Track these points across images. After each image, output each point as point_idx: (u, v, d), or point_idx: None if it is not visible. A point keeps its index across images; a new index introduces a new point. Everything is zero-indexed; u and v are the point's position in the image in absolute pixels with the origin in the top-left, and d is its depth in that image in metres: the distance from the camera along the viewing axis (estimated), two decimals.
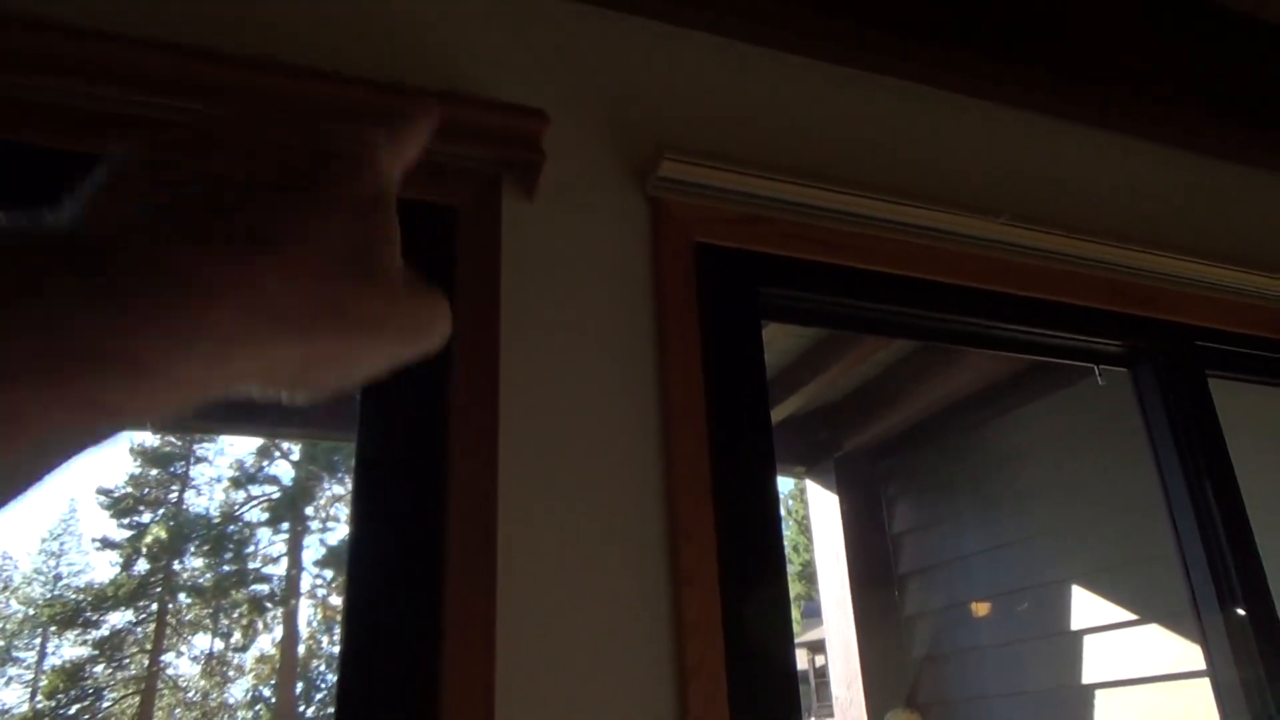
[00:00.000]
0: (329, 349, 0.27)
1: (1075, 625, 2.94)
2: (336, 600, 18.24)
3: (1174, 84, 1.64)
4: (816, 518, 3.78)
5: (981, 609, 3.34)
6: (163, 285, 0.24)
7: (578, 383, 1.13)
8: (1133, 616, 2.75)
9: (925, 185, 1.43)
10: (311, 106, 1.08)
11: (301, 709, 17.55)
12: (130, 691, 17.05)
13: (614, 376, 1.15)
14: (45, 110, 1.00)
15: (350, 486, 1.06)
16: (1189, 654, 2.42)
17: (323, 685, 18.10)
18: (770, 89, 1.42)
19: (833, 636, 3.57)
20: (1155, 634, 2.64)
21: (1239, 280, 1.54)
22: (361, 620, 0.97)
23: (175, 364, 0.24)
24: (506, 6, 1.28)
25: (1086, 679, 2.88)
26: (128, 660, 17.26)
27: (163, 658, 17.48)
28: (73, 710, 16.46)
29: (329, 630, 18.13)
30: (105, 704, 16.86)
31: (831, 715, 3.52)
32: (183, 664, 18.07)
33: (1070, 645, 2.95)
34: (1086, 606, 2.91)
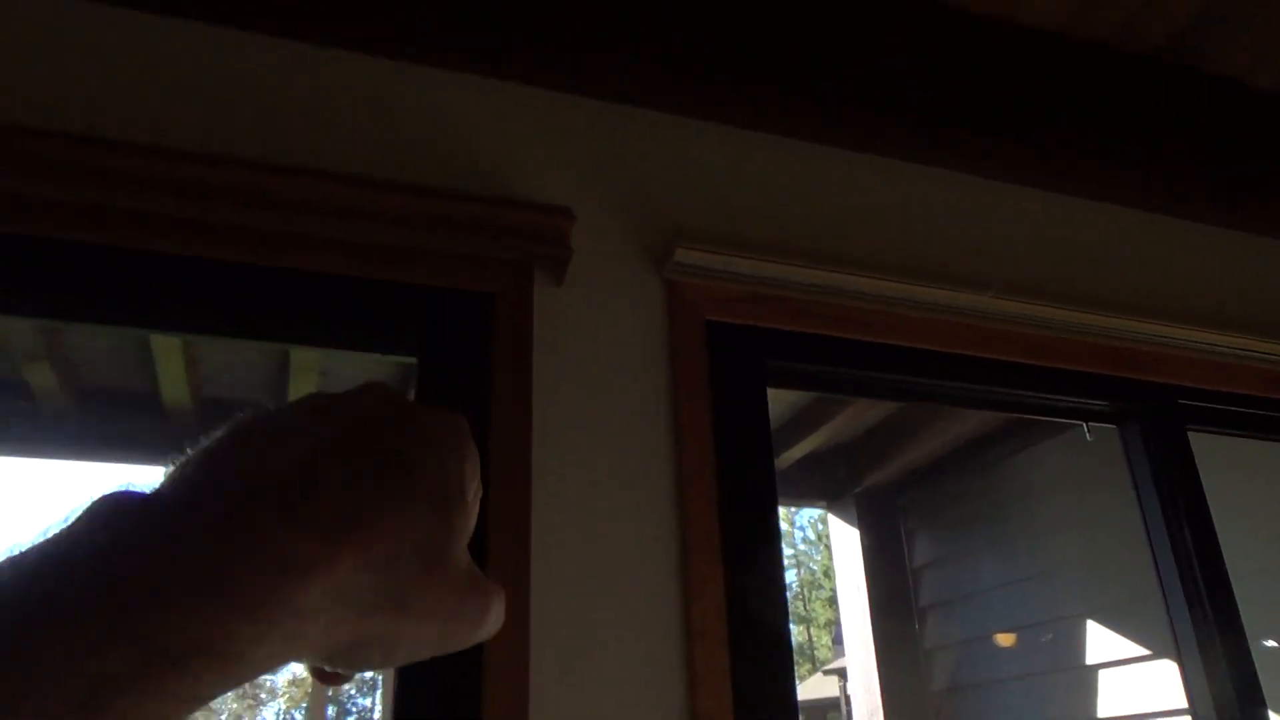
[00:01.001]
0: (381, 631, 0.28)
1: (1091, 660, 3.00)
2: None
3: (1157, 150, 1.75)
4: (838, 551, 3.87)
5: (1007, 640, 3.40)
6: (260, 565, 0.24)
7: (601, 447, 1.27)
8: (1146, 652, 2.82)
9: (919, 261, 1.56)
10: (356, 214, 1.22)
11: None
12: None
13: (634, 440, 1.29)
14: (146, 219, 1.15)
15: None
16: None
17: (353, 710, 18.26)
18: (773, 173, 1.55)
19: (854, 669, 3.65)
20: (1169, 669, 2.70)
21: (1219, 342, 1.65)
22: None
23: (261, 646, 0.24)
24: (535, 109, 1.43)
25: (1101, 713, 2.94)
26: None
27: None
28: None
29: None
30: None
31: None
32: None
33: (1086, 679, 3.01)
34: (1102, 641, 2.98)
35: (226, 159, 1.19)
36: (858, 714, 3.59)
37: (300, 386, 2.67)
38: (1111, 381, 1.61)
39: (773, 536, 1.30)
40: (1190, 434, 1.64)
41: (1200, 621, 1.49)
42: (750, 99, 1.53)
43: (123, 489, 0.26)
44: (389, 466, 0.29)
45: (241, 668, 0.24)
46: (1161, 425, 1.62)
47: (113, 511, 0.25)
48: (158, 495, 0.26)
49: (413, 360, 1.45)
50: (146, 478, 0.29)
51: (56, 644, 0.21)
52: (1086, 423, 1.66)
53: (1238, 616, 1.50)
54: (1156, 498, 1.58)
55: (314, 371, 2.67)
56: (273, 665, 0.25)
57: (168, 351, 2.48)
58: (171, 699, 0.23)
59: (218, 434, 0.29)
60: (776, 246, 1.46)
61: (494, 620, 0.32)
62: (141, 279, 1.17)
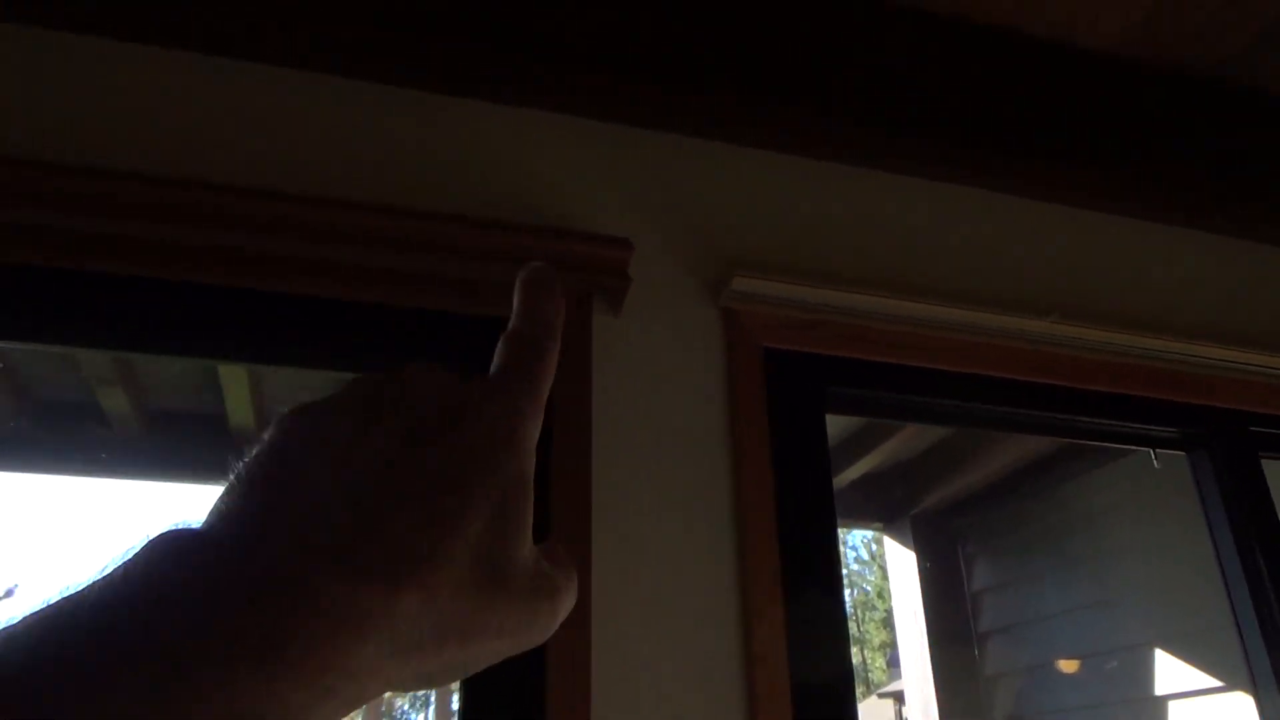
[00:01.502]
0: (448, 661, 0.26)
1: (1160, 690, 2.92)
2: None
3: (1226, 174, 1.71)
4: (894, 574, 3.82)
5: (1070, 666, 3.32)
6: (314, 626, 0.22)
7: (661, 474, 1.28)
8: (1219, 683, 2.73)
9: (978, 286, 1.54)
10: (418, 247, 1.25)
11: None
12: None
13: (693, 467, 1.29)
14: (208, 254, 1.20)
15: None
16: None
17: None
18: (829, 200, 1.55)
19: (912, 694, 3.59)
20: (1242, 701, 2.61)
21: None
22: None
23: (318, 709, 0.22)
24: (590, 141, 1.45)
25: None
26: None
27: None
28: None
29: None
30: None
31: None
32: None
33: (1154, 710, 2.93)
34: (1171, 671, 2.89)
35: (290, 196, 1.22)
36: None
37: None
38: (1180, 408, 1.57)
39: (832, 561, 1.30)
40: (1265, 462, 1.59)
41: (1276, 653, 1.44)
42: (805, 127, 1.53)
43: (177, 527, 0.24)
44: (445, 482, 0.27)
45: None
46: (1233, 452, 1.58)
47: (164, 555, 0.23)
48: (210, 538, 0.25)
49: None
50: (213, 495, 0.27)
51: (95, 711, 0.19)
52: (1154, 449, 1.63)
53: None
54: (1229, 526, 1.53)
55: None
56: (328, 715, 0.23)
57: (233, 376, 2.55)
58: None
59: (264, 442, 0.28)
60: (833, 273, 1.46)
61: (565, 612, 0.30)
62: (214, 312, 1.21)
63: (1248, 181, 1.71)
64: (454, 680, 0.28)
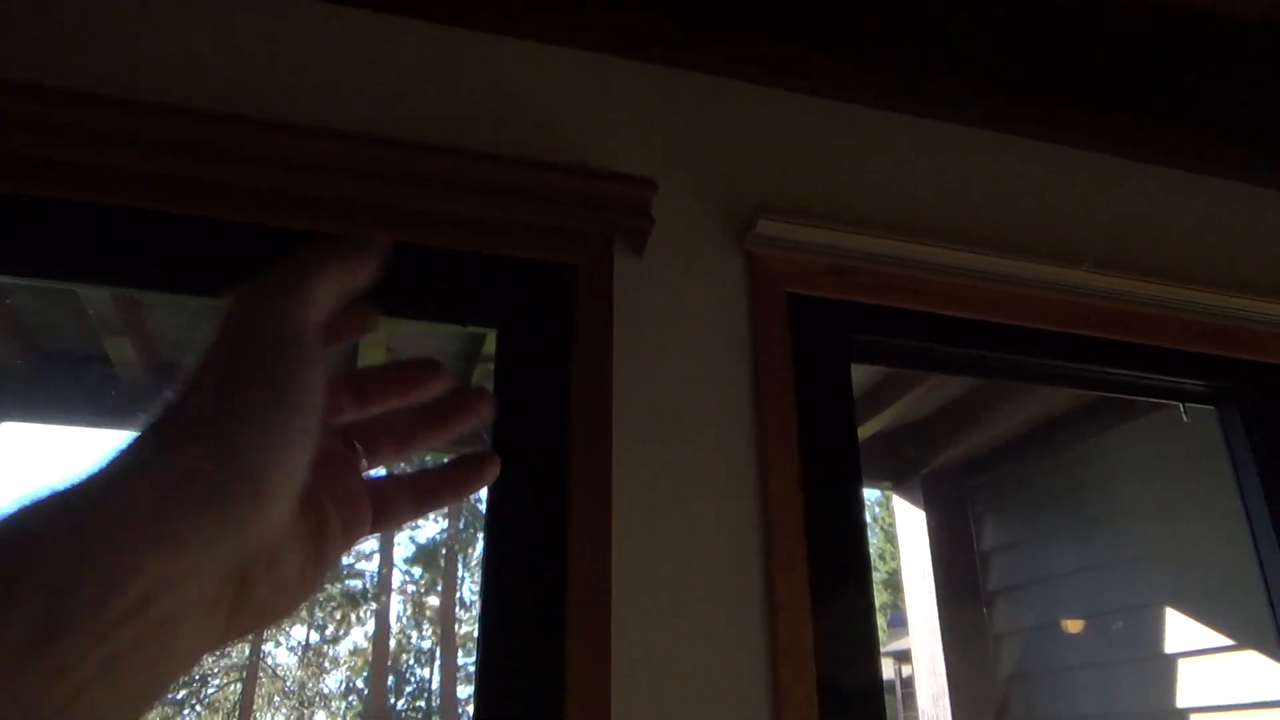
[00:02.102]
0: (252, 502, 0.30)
1: (1170, 649, 2.91)
2: (426, 598, 18.71)
3: (1262, 122, 1.66)
4: (903, 533, 3.81)
5: (1074, 626, 3.32)
6: (175, 490, 0.28)
7: (682, 419, 1.25)
8: (1230, 642, 2.72)
9: (1010, 233, 1.50)
10: (437, 184, 1.21)
11: (392, 701, 18.09)
12: (233, 679, 17.83)
13: (715, 416, 1.26)
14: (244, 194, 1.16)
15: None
16: None
17: (411, 679, 18.66)
18: (856, 145, 1.51)
19: (919, 652, 3.60)
20: (1252, 660, 2.61)
21: None
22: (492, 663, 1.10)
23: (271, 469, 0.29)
24: (615, 79, 1.41)
25: (1181, 703, 2.86)
26: (230, 650, 18.07)
27: (263, 648, 18.24)
28: (180, 695, 17.33)
29: (418, 626, 18.64)
30: (210, 690, 17.67)
31: None
32: (281, 654, 18.83)
33: (1165, 669, 2.93)
34: (1182, 630, 2.88)
35: (310, 129, 1.18)
36: (922, 697, 3.54)
37: (369, 359, 2.69)
38: (1211, 360, 1.53)
39: (856, 511, 1.27)
40: None
41: None
42: (833, 70, 1.48)
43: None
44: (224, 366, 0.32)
45: (270, 488, 0.29)
46: (1265, 406, 1.54)
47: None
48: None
49: (485, 331, 1.44)
50: None
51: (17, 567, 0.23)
52: (1183, 403, 1.59)
53: None
54: (1259, 481, 1.50)
55: (382, 346, 2.69)
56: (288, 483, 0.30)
57: None
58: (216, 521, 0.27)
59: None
60: (860, 219, 1.41)
61: (333, 563, 0.36)
62: (220, 248, 1.18)
63: None
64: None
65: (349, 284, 0.37)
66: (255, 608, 0.31)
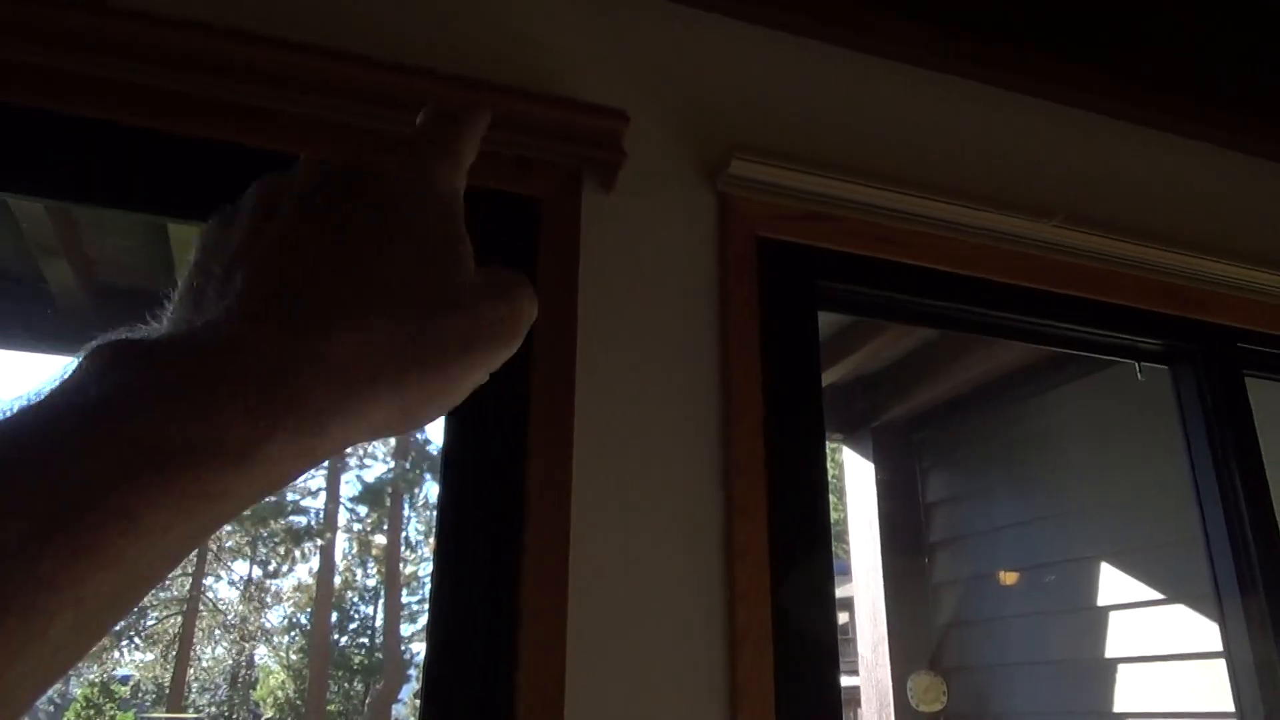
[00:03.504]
0: (423, 391, 0.28)
1: (1102, 601, 3.01)
2: (372, 536, 18.69)
3: (1235, 85, 1.66)
4: (851, 485, 3.87)
5: (1009, 578, 3.42)
6: (244, 371, 0.25)
7: (647, 362, 1.22)
8: (1159, 596, 2.82)
9: (979, 185, 1.49)
10: (394, 104, 1.16)
11: (335, 637, 18.15)
12: (172, 612, 17.71)
13: (680, 358, 1.24)
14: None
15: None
16: (1210, 634, 2.49)
17: (355, 616, 18.70)
18: (834, 87, 1.47)
19: (861, 600, 3.68)
20: (1180, 613, 2.71)
21: None
22: (448, 576, 1.08)
23: (268, 444, 0.25)
24: (591, 5, 1.35)
25: (1110, 653, 2.96)
26: (169, 583, 17.90)
27: (204, 581, 18.11)
28: (118, 627, 17.16)
29: (363, 564, 18.64)
30: (149, 622, 17.54)
31: (856, 674, 3.64)
32: (222, 589, 18.72)
33: (1096, 620, 3.03)
34: (1114, 584, 2.98)
35: (264, 39, 1.11)
36: (862, 643, 3.63)
37: None
38: (1169, 320, 1.55)
39: (818, 458, 1.27)
40: (1247, 380, 1.59)
41: (1244, 569, 1.46)
42: (814, 8, 1.44)
43: (120, 337, 0.26)
44: (360, 233, 0.29)
45: (254, 463, 0.24)
46: (1218, 368, 1.57)
47: (110, 362, 0.25)
48: (156, 340, 0.26)
49: None
50: None
51: (32, 460, 0.22)
52: (1139, 362, 1.61)
53: None
54: (1206, 441, 1.53)
55: None
56: (307, 460, 0.26)
57: (188, 253, 2.43)
58: (185, 496, 0.23)
59: (191, 259, 0.30)
60: (834, 163, 1.39)
61: (528, 315, 0.31)
62: (162, 162, 1.11)
63: (1258, 95, 1.66)
64: (439, 410, 0.29)
65: (473, 155, 0.34)
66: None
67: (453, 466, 1.11)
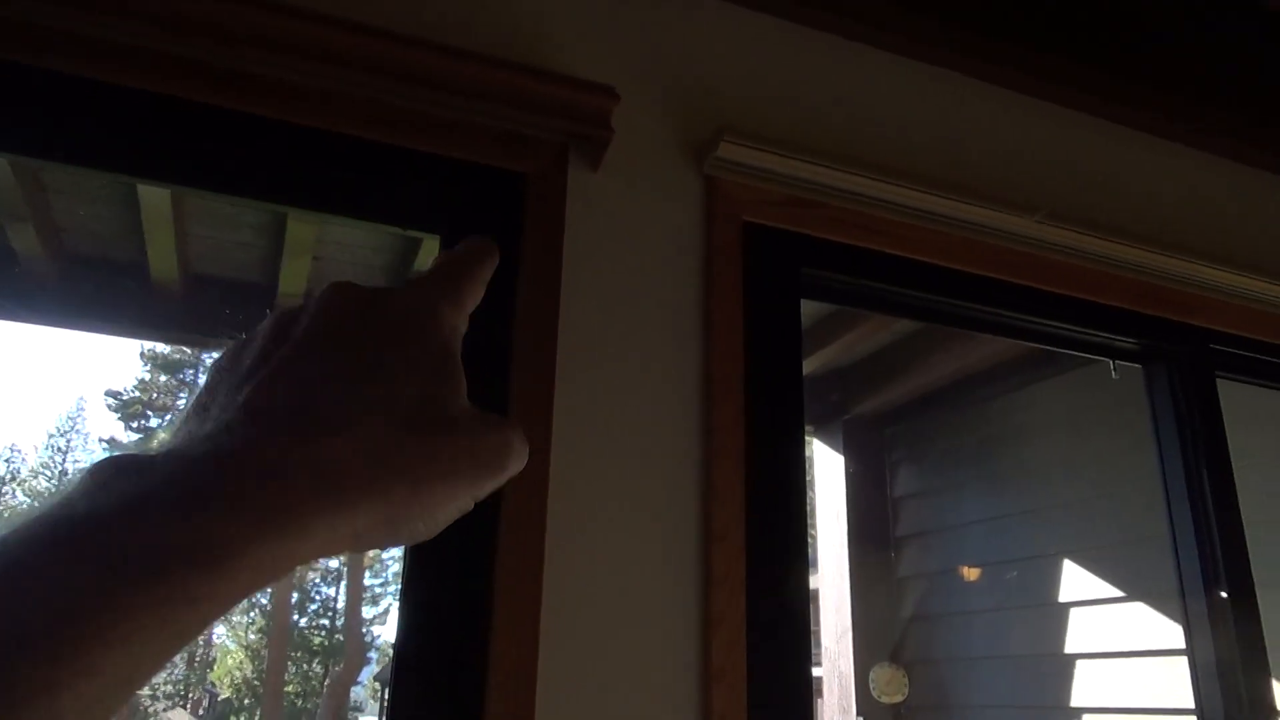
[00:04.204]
0: (409, 504, 0.29)
1: (1064, 598, 3.05)
2: None
3: (1221, 90, 1.67)
4: (821, 477, 3.89)
5: (971, 573, 3.46)
6: (234, 473, 0.26)
7: (629, 340, 1.21)
8: (1120, 593, 2.86)
9: (965, 177, 1.49)
10: (382, 72, 1.13)
11: (295, 618, 18.01)
12: None
13: (663, 341, 1.23)
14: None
15: None
16: (1169, 632, 2.53)
17: (316, 597, 18.57)
18: (824, 75, 1.47)
19: (827, 591, 3.70)
20: (1139, 611, 2.75)
21: (1260, 290, 1.61)
22: (419, 565, 1.06)
23: (254, 548, 0.25)
24: None
25: (1069, 649, 3.01)
26: None
27: None
28: None
29: None
30: None
31: (819, 665, 3.67)
32: None
33: (1057, 616, 3.07)
34: (1076, 581, 3.02)
35: (249, 0, 1.08)
36: (826, 634, 3.65)
37: (294, 268, 2.58)
38: (1145, 320, 1.56)
39: (797, 446, 1.26)
40: (1218, 381, 1.61)
41: (1209, 568, 1.48)
42: None
43: (123, 454, 0.27)
44: (363, 352, 0.31)
45: (239, 568, 0.25)
46: (1191, 369, 1.59)
47: (110, 475, 0.26)
48: (154, 454, 0.27)
49: (423, 236, 1.36)
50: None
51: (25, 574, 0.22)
52: (1113, 360, 1.63)
53: (1248, 563, 1.50)
54: (1177, 441, 1.55)
55: (308, 254, 2.58)
56: (290, 563, 0.26)
57: (158, 222, 2.38)
58: (168, 600, 0.23)
59: (202, 386, 0.32)
60: (822, 150, 1.38)
61: (518, 452, 0.32)
62: (142, 123, 1.08)
63: (1244, 102, 1.67)
64: (421, 532, 0.30)
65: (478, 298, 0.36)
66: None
67: None
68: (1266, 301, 1.62)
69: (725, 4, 1.41)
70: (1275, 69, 1.65)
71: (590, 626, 1.09)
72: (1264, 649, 1.46)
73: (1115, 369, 1.64)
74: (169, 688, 17.25)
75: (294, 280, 2.59)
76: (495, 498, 1.07)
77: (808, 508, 1.27)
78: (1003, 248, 1.45)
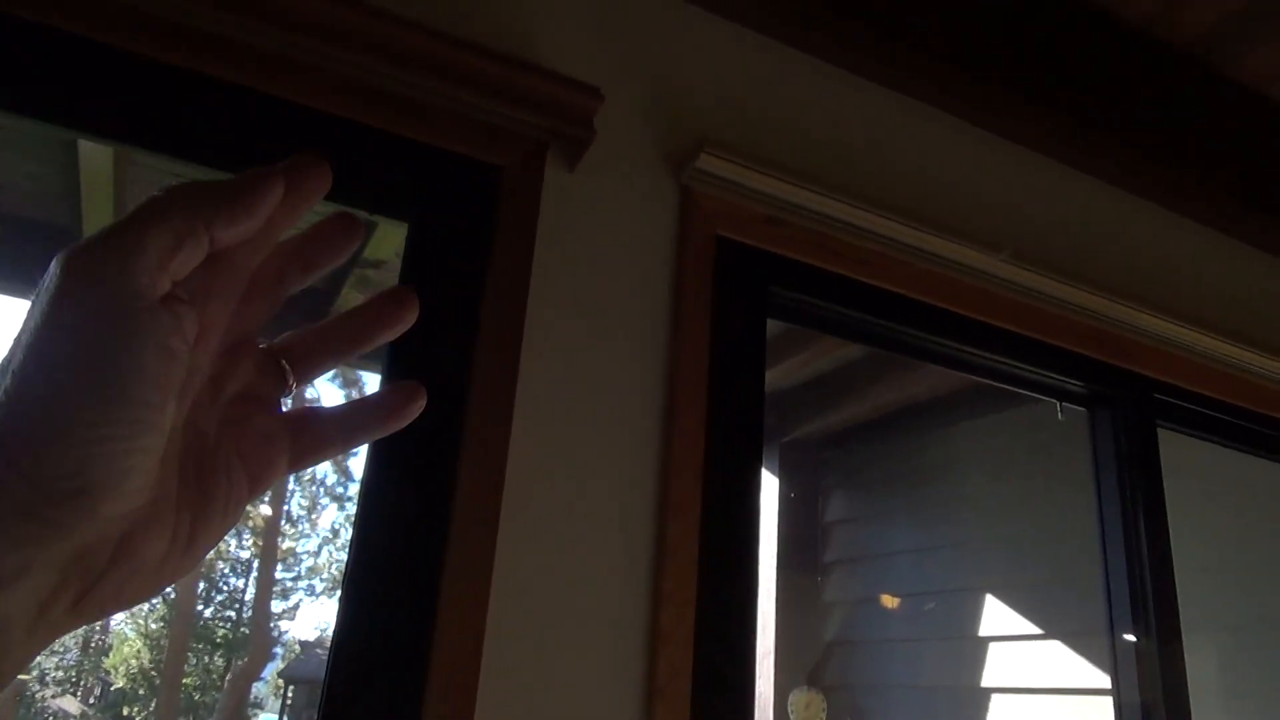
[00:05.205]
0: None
1: (983, 631, 3.11)
2: (256, 509, 18.05)
3: (1184, 149, 1.73)
4: None
5: (892, 602, 3.50)
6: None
7: (595, 345, 1.19)
8: (1037, 630, 2.92)
9: (935, 210, 1.51)
10: (359, 47, 1.10)
11: (200, 608, 17.44)
12: None
13: (629, 349, 1.22)
14: None
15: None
16: (1083, 670, 2.59)
17: (224, 587, 18.00)
18: (807, 96, 1.47)
19: None
20: (1055, 649, 2.81)
21: (1204, 344, 1.66)
22: (368, 545, 1.02)
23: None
24: None
25: (985, 682, 3.06)
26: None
27: None
28: None
29: (238, 535, 17.98)
30: None
31: None
32: None
33: (975, 649, 3.12)
34: (996, 615, 3.08)
35: None
36: None
37: None
38: (1094, 364, 1.60)
39: (755, 464, 1.25)
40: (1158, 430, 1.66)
41: (1139, 610, 1.52)
42: (796, 12, 1.43)
43: None
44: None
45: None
46: (1134, 415, 1.63)
47: None
48: None
49: (375, 221, 1.32)
50: None
51: None
52: (1060, 402, 1.66)
53: (1176, 606, 1.53)
54: (1116, 485, 1.59)
55: None
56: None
57: (96, 185, 2.28)
58: None
59: None
60: (799, 171, 1.38)
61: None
62: (88, 73, 1.03)
63: (1203, 161, 1.73)
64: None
65: (230, 223, 0.32)
66: (108, 594, 0.29)
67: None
68: (1209, 356, 1.67)
69: (715, 18, 1.41)
70: (1246, 144, 1.71)
71: (537, 634, 1.06)
72: (1187, 694, 1.50)
73: (1061, 410, 1.67)
74: (60, 674, 16.53)
75: None
76: (447, 496, 1.03)
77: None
78: (964, 282, 1.47)
